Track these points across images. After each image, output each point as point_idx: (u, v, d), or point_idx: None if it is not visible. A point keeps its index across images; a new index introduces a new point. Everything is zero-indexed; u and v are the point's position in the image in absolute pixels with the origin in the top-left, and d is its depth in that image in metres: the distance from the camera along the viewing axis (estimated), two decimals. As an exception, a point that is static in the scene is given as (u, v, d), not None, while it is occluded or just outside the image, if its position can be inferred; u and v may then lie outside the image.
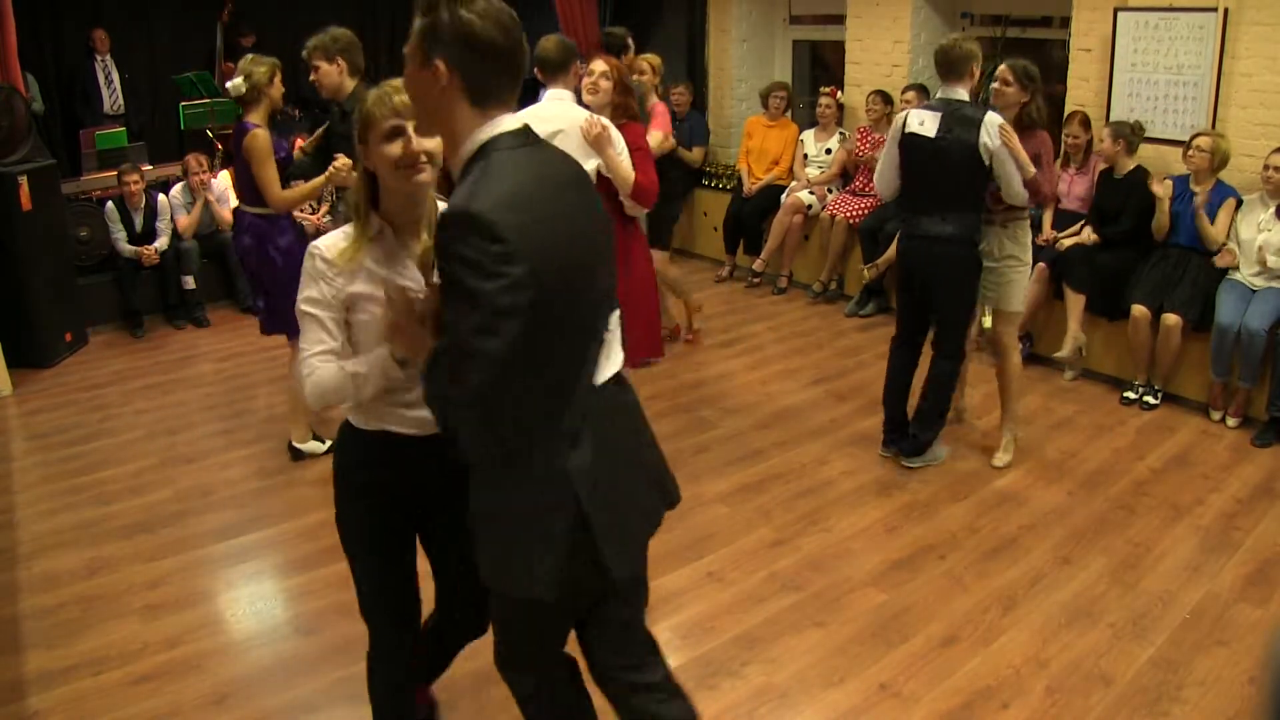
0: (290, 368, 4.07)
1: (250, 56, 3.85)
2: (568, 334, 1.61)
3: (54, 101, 7.42)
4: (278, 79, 3.83)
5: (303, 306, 1.86)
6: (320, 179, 3.76)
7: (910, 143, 3.65)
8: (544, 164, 1.62)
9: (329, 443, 4.12)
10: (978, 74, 3.67)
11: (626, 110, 3.58)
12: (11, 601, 3.10)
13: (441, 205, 1.84)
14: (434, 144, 1.81)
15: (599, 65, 3.53)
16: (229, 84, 3.84)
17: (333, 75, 3.74)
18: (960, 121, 3.54)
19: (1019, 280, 3.87)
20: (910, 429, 3.95)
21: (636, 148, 3.46)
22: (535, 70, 3.52)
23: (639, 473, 1.80)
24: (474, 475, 1.70)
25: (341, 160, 3.63)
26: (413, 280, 1.86)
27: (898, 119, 3.76)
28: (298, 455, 4.10)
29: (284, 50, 7.49)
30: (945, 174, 3.60)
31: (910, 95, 5.72)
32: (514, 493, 1.64)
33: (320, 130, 4.07)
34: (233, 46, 8.01)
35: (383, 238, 1.88)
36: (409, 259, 1.88)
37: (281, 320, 3.90)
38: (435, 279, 1.67)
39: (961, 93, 3.62)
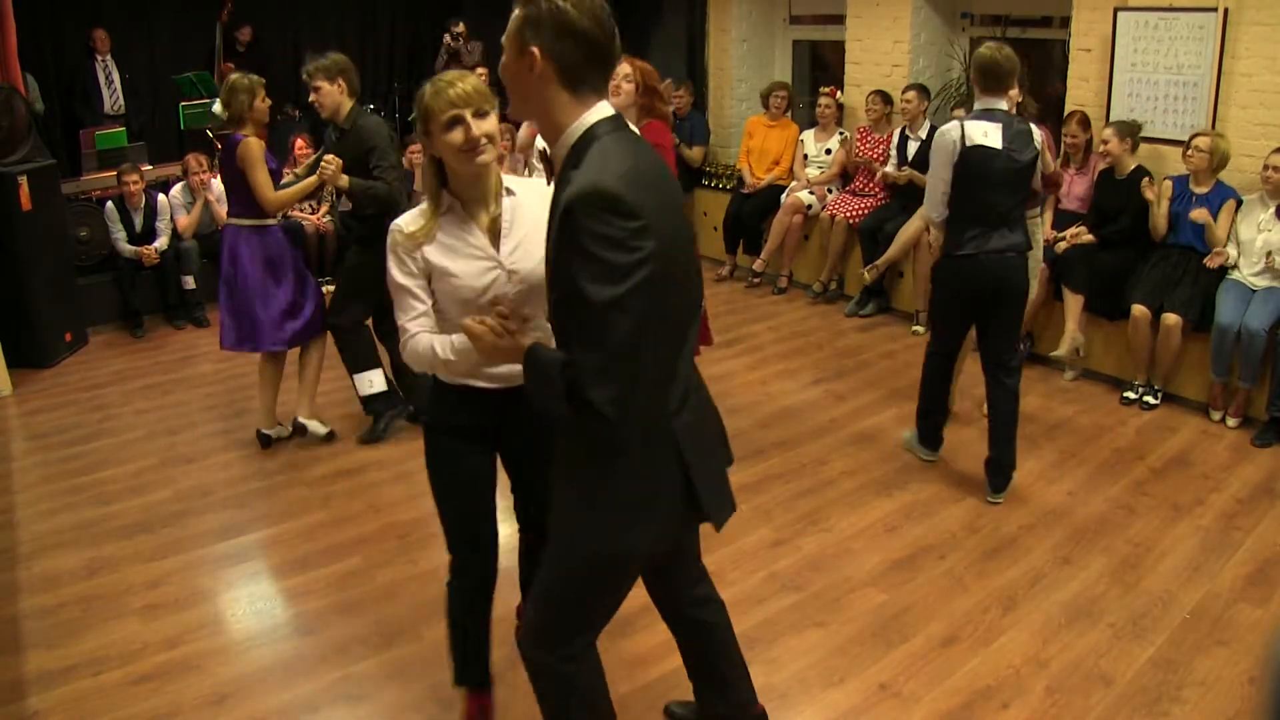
0: (301, 361, 4.24)
1: (231, 80, 3.92)
2: (681, 306, 1.77)
3: (54, 102, 7.42)
4: (259, 100, 3.92)
5: (396, 279, 2.10)
6: (312, 178, 3.91)
7: (977, 155, 3.44)
8: (640, 148, 1.73)
9: (329, 428, 4.27)
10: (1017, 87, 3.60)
11: (650, 109, 3.58)
12: (11, 601, 3.10)
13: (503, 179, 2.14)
14: (491, 126, 2.03)
15: (623, 68, 3.48)
16: (213, 108, 3.98)
17: (334, 95, 3.88)
18: (1020, 134, 3.47)
19: (1031, 271, 3.83)
20: (1002, 466, 3.68)
21: (659, 145, 3.45)
22: None
23: (716, 432, 2.05)
24: (569, 442, 1.81)
25: (330, 158, 3.78)
26: (479, 247, 2.09)
27: (948, 133, 3.50)
28: (301, 431, 4.23)
29: (283, 47, 7.48)
30: (1012, 185, 3.49)
31: (911, 95, 5.72)
32: (618, 457, 1.75)
33: (317, 155, 4.16)
34: (231, 45, 8.01)
35: (452, 212, 2.11)
36: (477, 229, 2.11)
37: (248, 333, 4.03)
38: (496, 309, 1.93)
39: (1004, 104, 3.52)
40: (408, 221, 2.10)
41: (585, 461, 1.78)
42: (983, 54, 3.51)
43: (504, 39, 1.68)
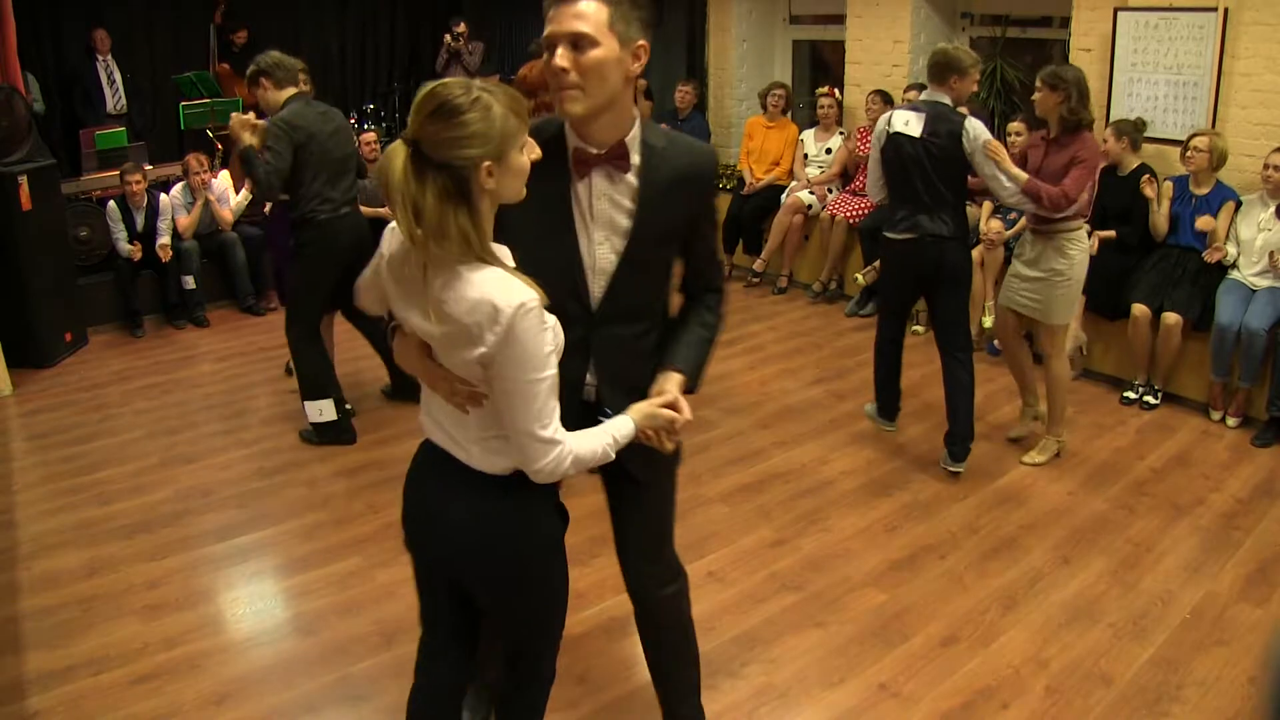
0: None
1: (275, 58, 3.98)
2: None
3: (54, 102, 7.43)
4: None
5: (551, 366, 1.58)
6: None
7: (895, 141, 3.66)
8: None
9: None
10: (968, 83, 3.67)
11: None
12: (11, 601, 3.10)
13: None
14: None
15: None
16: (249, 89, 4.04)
17: (264, 97, 3.98)
18: (943, 121, 3.59)
19: (1064, 296, 3.75)
20: (959, 436, 3.82)
21: None
22: None
23: None
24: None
25: (240, 117, 3.90)
26: None
27: (880, 121, 3.77)
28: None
29: (283, 47, 7.48)
30: (934, 173, 3.61)
31: (912, 95, 5.71)
32: None
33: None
34: (226, 45, 8.02)
35: None
36: None
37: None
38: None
39: (945, 98, 3.65)
40: (538, 298, 1.55)
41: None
42: (935, 49, 3.71)
43: (592, 29, 1.63)
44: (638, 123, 1.79)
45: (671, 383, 1.87)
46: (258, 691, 2.66)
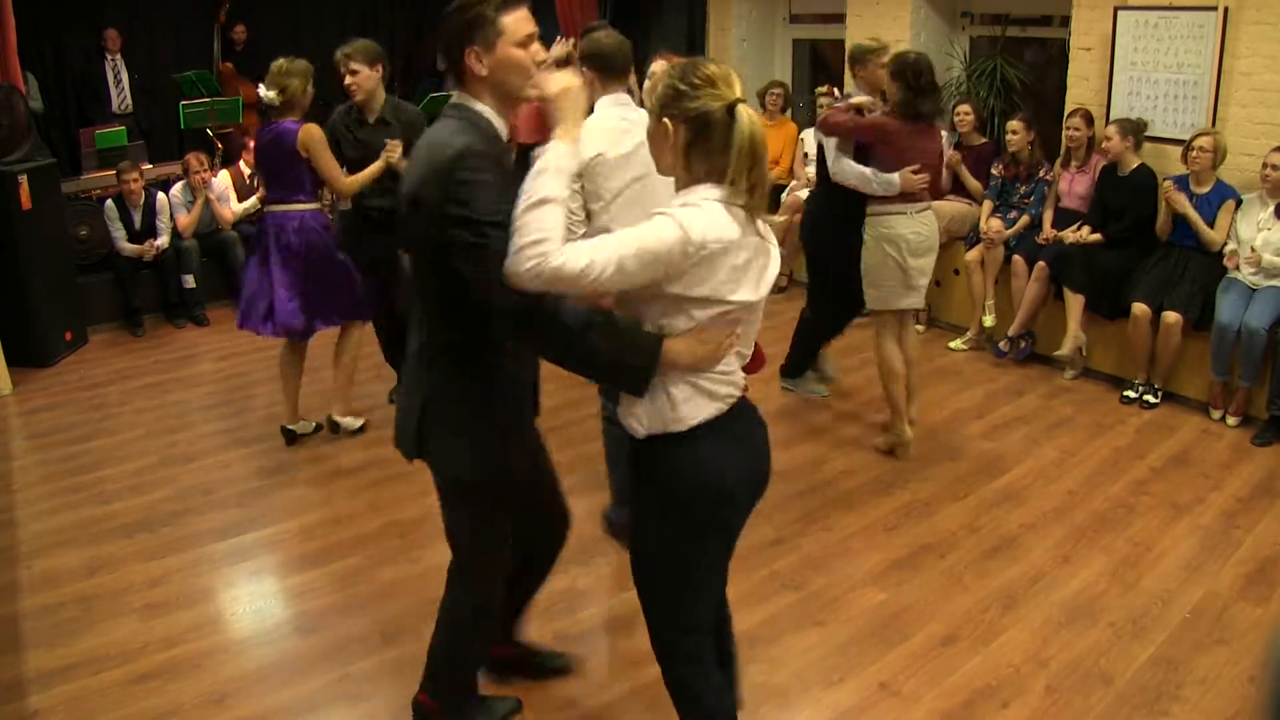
0: (338, 348, 4.23)
1: (281, 64, 3.86)
2: None
3: (55, 101, 7.44)
4: (310, 86, 3.92)
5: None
6: (379, 163, 3.93)
7: None
8: None
9: (363, 420, 4.34)
10: (870, 70, 3.93)
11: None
12: (11, 601, 3.10)
13: None
14: None
15: (660, 65, 3.35)
16: (262, 93, 3.87)
17: (373, 80, 3.93)
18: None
19: (867, 277, 3.93)
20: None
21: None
22: (591, 67, 3.15)
23: None
24: None
25: (394, 143, 3.87)
26: None
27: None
28: (335, 429, 4.29)
29: (283, 46, 7.49)
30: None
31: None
32: None
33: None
34: (229, 44, 8.03)
35: None
36: None
37: (329, 308, 4.06)
38: None
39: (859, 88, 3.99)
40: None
41: None
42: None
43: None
44: None
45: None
46: (258, 691, 2.66)
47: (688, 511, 1.87)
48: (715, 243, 1.70)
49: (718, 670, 2.09)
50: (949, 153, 4.49)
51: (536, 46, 1.94)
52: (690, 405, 1.81)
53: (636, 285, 1.72)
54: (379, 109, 4.00)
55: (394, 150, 3.86)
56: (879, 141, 3.81)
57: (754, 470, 1.93)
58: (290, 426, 4.20)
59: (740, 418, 1.89)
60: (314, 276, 4.00)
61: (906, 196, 3.77)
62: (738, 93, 1.73)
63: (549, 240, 1.66)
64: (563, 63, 3.19)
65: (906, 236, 3.80)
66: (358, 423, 4.32)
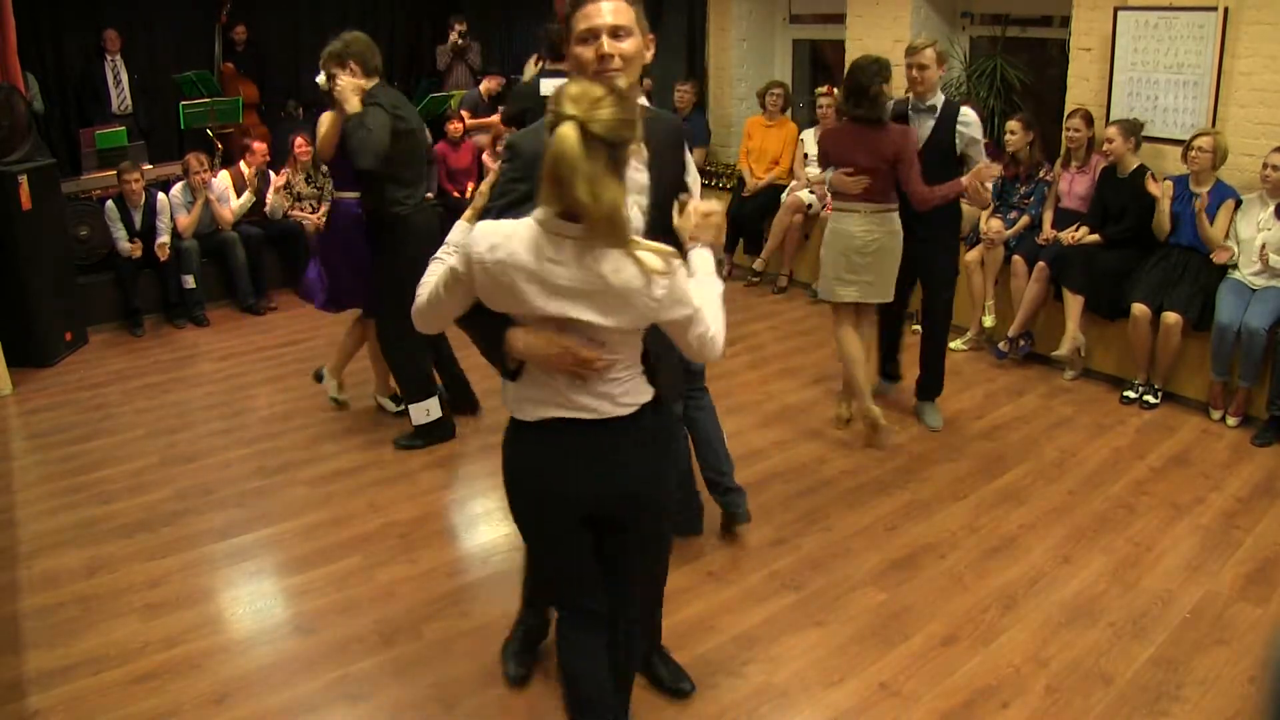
0: (369, 335, 4.31)
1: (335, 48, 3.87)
2: None
3: (55, 101, 7.44)
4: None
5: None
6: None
7: None
8: None
9: (400, 405, 4.38)
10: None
11: None
12: (11, 601, 3.10)
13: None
14: None
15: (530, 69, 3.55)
16: (320, 80, 3.84)
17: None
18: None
19: (821, 265, 4.18)
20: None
21: None
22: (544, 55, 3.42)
23: None
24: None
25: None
26: None
27: None
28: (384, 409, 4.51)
29: (283, 46, 7.49)
30: None
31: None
32: None
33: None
34: (229, 44, 8.04)
35: None
36: None
37: (357, 295, 4.19)
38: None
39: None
40: None
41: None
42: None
43: (633, 23, 1.99)
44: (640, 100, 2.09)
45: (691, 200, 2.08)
46: (258, 691, 2.66)
47: (506, 485, 2.06)
48: (490, 256, 1.77)
49: (597, 650, 2.14)
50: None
51: (604, 40, 1.96)
52: (519, 402, 1.95)
53: (456, 304, 1.90)
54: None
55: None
56: (822, 142, 4.19)
57: (572, 491, 1.96)
58: (383, 399, 4.51)
59: (586, 436, 1.92)
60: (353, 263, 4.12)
61: (861, 196, 3.89)
62: (576, 111, 1.68)
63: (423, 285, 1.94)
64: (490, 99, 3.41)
65: (854, 233, 3.96)
66: (394, 407, 4.46)
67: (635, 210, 2.01)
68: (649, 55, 2.07)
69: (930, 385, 4.39)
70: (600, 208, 1.67)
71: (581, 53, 1.99)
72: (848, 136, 3.92)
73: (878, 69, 3.81)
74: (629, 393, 1.93)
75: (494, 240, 1.77)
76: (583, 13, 1.99)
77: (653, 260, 1.74)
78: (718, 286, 1.95)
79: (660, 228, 2.06)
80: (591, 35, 1.98)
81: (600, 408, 1.91)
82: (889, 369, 4.67)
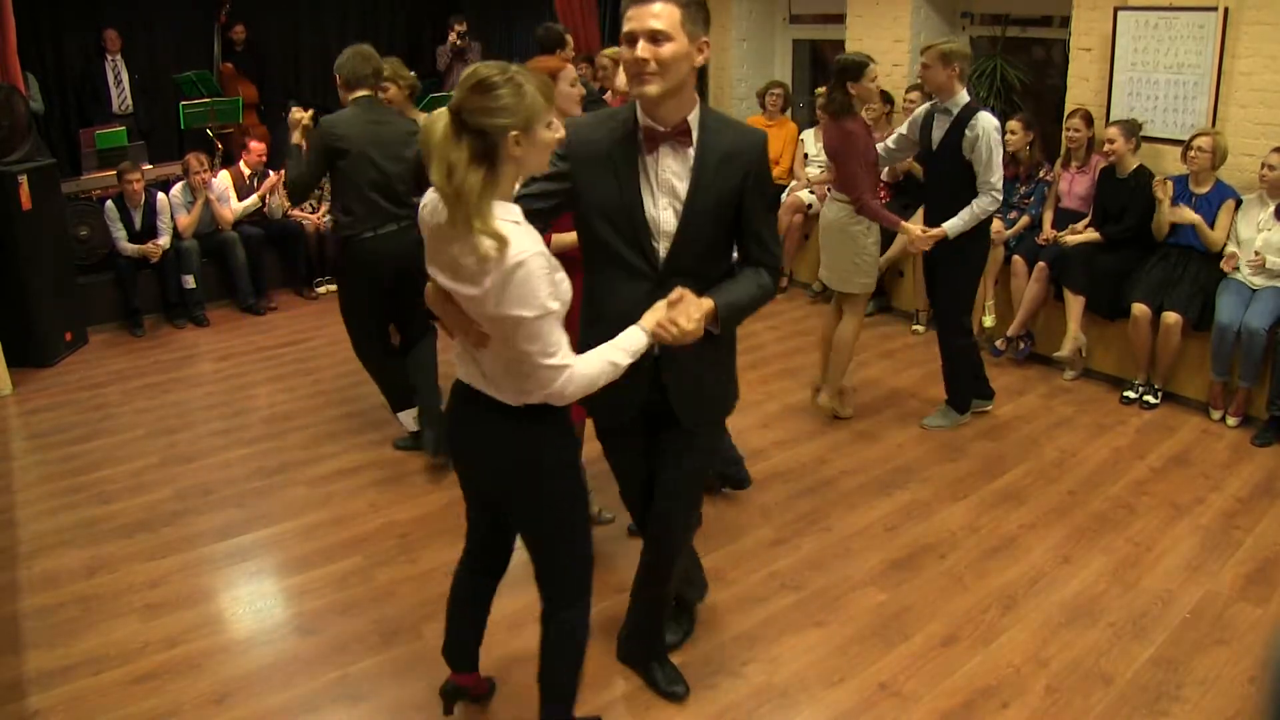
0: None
1: (394, 61, 4.04)
2: None
3: (55, 101, 7.44)
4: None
5: (551, 306, 1.83)
6: None
7: None
8: None
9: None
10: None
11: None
12: (11, 601, 3.10)
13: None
14: None
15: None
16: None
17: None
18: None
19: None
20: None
21: None
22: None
23: None
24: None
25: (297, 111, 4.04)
26: None
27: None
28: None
29: (282, 46, 7.48)
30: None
31: (914, 95, 5.72)
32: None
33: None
34: (229, 44, 8.04)
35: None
36: None
37: None
38: None
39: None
40: (544, 248, 1.91)
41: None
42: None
43: (666, 27, 1.95)
44: (698, 105, 2.11)
45: (691, 296, 2.03)
46: (258, 691, 2.66)
47: None
48: (422, 213, 1.93)
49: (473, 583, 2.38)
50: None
51: (640, 44, 1.97)
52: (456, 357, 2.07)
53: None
54: None
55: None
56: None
57: (460, 461, 2.17)
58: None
59: (454, 396, 2.11)
60: None
61: (835, 184, 4.19)
62: (456, 96, 1.80)
63: None
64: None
65: (826, 217, 4.29)
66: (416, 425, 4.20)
67: (669, 213, 2.12)
68: (700, 59, 2.04)
69: (948, 392, 4.38)
70: (448, 188, 1.77)
71: (623, 54, 2.03)
72: (827, 129, 4.18)
73: (844, 65, 3.98)
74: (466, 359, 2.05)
75: (427, 198, 1.92)
76: (627, 14, 2.01)
77: (486, 245, 1.75)
78: (619, 359, 1.94)
79: (695, 250, 2.14)
80: (631, 38, 2.00)
81: (474, 380, 2.02)
82: (982, 390, 4.46)
